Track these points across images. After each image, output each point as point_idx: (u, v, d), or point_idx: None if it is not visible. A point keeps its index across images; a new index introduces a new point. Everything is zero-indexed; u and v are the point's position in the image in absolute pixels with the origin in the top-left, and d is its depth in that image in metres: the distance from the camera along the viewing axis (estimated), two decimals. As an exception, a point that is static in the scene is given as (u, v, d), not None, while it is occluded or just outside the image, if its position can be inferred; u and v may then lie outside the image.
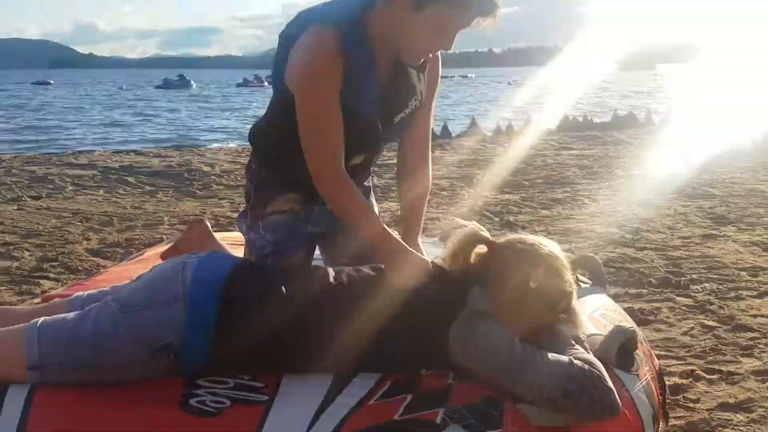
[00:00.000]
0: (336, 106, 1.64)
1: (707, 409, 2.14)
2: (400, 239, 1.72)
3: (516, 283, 1.51)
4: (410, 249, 1.68)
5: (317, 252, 2.04)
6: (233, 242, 2.43)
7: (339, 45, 1.60)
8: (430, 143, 1.97)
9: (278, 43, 1.74)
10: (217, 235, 2.56)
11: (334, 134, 1.67)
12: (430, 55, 1.74)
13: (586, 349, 1.52)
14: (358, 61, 1.64)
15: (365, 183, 2.01)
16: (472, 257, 1.61)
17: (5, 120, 19.75)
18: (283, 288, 1.57)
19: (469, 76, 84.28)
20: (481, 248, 1.61)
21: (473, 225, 1.63)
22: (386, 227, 1.70)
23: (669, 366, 2.41)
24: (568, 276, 1.57)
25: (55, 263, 3.81)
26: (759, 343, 2.63)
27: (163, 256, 2.42)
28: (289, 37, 1.68)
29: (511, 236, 1.67)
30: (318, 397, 1.40)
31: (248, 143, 1.99)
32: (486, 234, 1.62)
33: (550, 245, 1.59)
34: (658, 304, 3.07)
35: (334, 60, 1.60)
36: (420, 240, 1.90)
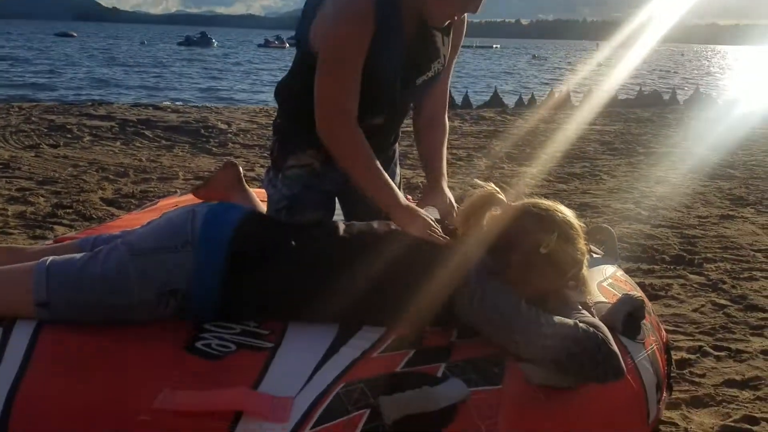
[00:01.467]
0: (358, 66, 1.63)
1: (713, 385, 2.13)
2: (402, 196, 1.68)
3: (527, 247, 1.49)
4: (411, 206, 1.64)
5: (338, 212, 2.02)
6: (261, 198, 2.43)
7: (372, 7, 1.60)
8: (447, 98, 1.96)
9: (305, 3, 1.74)
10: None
11: (351, 87, 1.65)
12: (456, 18, 1.71)
13: (592, 314, 1.51)
14: (388, 26, 1.63)
15: (388, 151, 1.98)
16: (486, 218, 1.59)
17: (32, 70, 19.83)
18: (292, 239, 1.57)
19: (494, 46, 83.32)
20: (496, 210, 1.59)
21: (490, 186, 1.61)
22: (390, 182, 1.67)
23: (677, 341, 2.40)
24: (581, 244, 1.54)
25: (70, 210, 3.84)
26: (770, 324, 2.60)
27: (195, 193, 2.44)
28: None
29: (527, 200, 1.64)
30: (322, 346, 1.40)
31: (266, 104, 1.99)
32: (501, 196, 1.60)
33: (565, 211, 1.56)
34: (669, 281, 3.05)
35: (365, 21, 1.60)
36: (445, 184, 1.85)
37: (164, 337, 1.45)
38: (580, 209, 4.31)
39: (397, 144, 2.04)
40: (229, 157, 5.93)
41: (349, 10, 1.62)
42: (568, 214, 1.55)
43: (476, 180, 1.63)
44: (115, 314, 1.51)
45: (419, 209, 1.64)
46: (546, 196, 4.87)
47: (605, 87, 14.02)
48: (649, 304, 1.83)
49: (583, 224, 1.58)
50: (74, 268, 1.54)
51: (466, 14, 1.80)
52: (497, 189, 1.61)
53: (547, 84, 18.68)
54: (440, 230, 1.57)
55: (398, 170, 2.07)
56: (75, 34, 64.61)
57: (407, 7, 1.66)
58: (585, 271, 1.57)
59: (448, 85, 1.95)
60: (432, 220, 1.61)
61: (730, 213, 4.32)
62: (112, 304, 1.50)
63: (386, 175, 1.68)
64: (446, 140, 1.95)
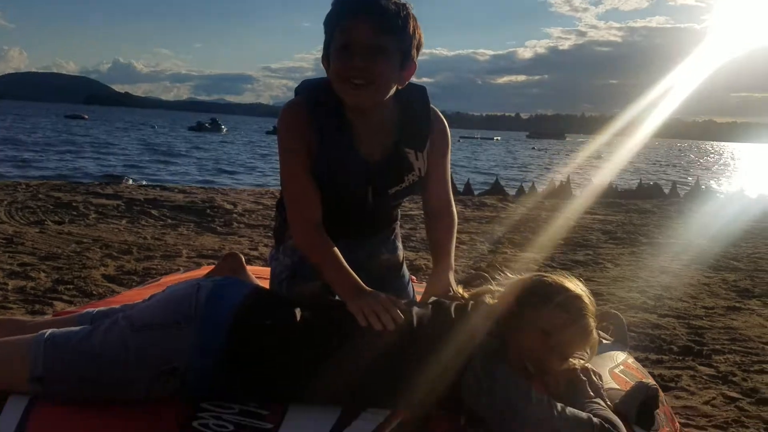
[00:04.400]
0: (302, 168, 1.73)
1: (729, 482, 2.03)
2: (358, 279, 1.65)
3: (533, 323, 1.46)
4: (361, 286, 1.62)
5: None
6: (264, 277, 2.40)
7: (305, 110, 1.73)
8: (450, 194, 1.97)
9: None
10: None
11: (303, 188, 1.74)
12: (360, 105, 1.72)
13: (605, 403, 1.45)
14: (329, 125, 1.72)
15: (381, 234, 2.00)
16: (490, 297, 1.56)
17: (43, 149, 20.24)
18: (297, 316, 1.53)
19: (495, 138, 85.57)
20: (501, 287, 1.57)
21: (496, 262, 1.60)
22: (346, 269, 1.67)
23: (689, 435, 2.31)
24: (590, 321, 1.50)
25: (71, 286, 3.81)
26: (785, 419, 2.51)
27: None
28: None
29: (534, 274, 1.60)
30: (324, 429, 1.34)
31: (272, 186, 2.04)
32: (509, 274, 1.59)
33: (574, 286, 1.53)
34: (679, 372, 2.97)
35: (297, 124, 1.72)
36: (451, 276, 1.82)
37: (159, 416, 1.39)
38: (584, 297, 4.25)
39: (394, 225, 2.06)
40: (233, 236, 5.96)
41: (282, 118, 1.77)
42: (577, 290, 1.51)
43: (482, 264, 1.61)
44: (110, 391, 1.45)
45: (375, 291, 1.59)
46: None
47: (605, 178, 14.23)
48: (662, 394, 1.77)
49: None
50: (73, 341, 1.50)
51: (446, 125, 1.88)
52: (503, 267, 1.59)
53: (548, 174, 18.98)
54: (397, 312, 1.49)
55: (400, 245, 2.08)
56: (87, 117, 66.31)
57: (350, 110, 1.72)
58: (595, 349, 1.53)
59: (448, 181, 1.96)
60: (391, 302, 1.53)
61: (737, 305, 4.27)
62: (109, 380, 1.45)
63: (344, 265, 1.68)
64: (454, 232, 1.94)
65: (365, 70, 1.63)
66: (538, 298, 1.48)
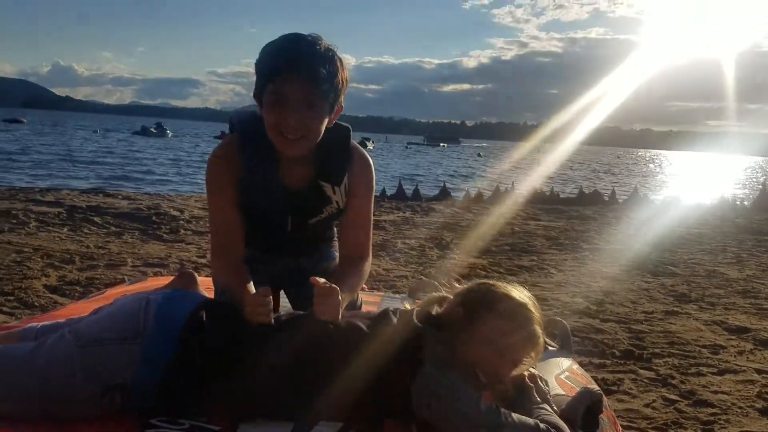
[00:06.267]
0: (229, 203, 1.81)
1: (668, 482, 2.11)
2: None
3: (481, 333, 1.47)
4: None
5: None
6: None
7: (236, 147, 1.80)
8: (368, 241, 1.95)
9: None
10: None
11: (226, 227, 1.83)
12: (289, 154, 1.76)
13: (552, 408, 1.50)
14: (256, 160, 1.79)
15: (316, 252, 2.08)
16: (440, 306, 1.58)
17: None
18: (245, 330, 1.53)
19: (441, 144, 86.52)
20: (448, 295, 1.59)
21: (442, 280, 1.63)
22: (243, 288, 1.72)
23: (631, 437, 2.39)
24: (537, 328, 1.53)
25: (11, 297, 3.69)
26: (719, 419, 2.63)
27: None
28: None
29: (480, 282, 1.60)
30: (276, 443, 1.34)
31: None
32: (457, 285, 1.61)
33: (519, 295, 1.54)
34: (621, 375, 3.08)
35: (226, 163, 1.81)
36: (344, 301, 1.68)
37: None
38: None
39: (331, 242, 2.12)
40: (180, 244, 5.86)
41: (212, 158, 1.84)
42: (523, 296, 1.53)
43: (424, 277, 1.64)
44: (56, 408, 1.42)
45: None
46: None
47: (547, 185, 14.56)
48: (605, 399, 1.84)
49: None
50: (17, 357, 1.47)
51: (369, 165, 1.90)
52: (451, 275, 1.63)
53: (493, 181, 19.29)
54: (267, 310, 1.53)
55: (336, 253, 2.11)
56: (25, 121, 64.00)
57: (282, 155, 1.77)
58: (539, 354, 1.56)
59: (366, 227, 1.94)
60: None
61: (675, 309, 4.43)
62: (55, 397, 1.41)
63: (246, 288, 1.73)
64: (363, 277, 1.91)
65: (298, 126, 1.68)
66: (485, 307, 1.50)
